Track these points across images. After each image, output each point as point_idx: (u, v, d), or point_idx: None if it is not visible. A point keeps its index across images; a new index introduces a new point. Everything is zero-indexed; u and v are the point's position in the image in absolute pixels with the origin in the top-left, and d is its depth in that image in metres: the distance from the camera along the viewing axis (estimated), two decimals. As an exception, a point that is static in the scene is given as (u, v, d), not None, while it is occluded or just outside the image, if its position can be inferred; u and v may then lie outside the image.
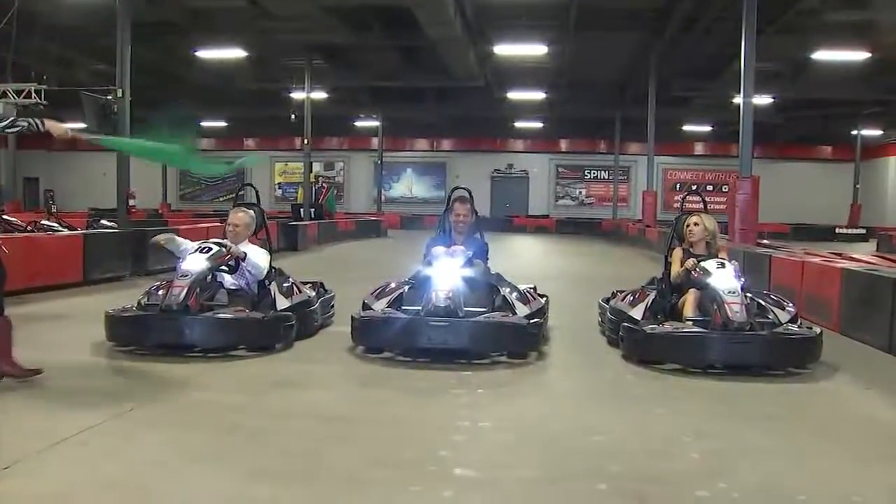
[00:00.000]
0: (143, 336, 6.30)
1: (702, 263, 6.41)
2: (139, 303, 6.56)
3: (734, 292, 6.07)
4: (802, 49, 21.66)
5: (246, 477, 3.60)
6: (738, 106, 14.56)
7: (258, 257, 6.91)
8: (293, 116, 27.66)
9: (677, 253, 6.90)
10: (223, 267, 6.67)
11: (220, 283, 6.77)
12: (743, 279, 6.35)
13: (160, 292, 6.45)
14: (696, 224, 6.88)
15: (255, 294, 6.91)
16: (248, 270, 6.81)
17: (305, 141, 25.57)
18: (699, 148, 38.72)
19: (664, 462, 3.95)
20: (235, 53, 23.13)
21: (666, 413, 4.88)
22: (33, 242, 11.03)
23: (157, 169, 37.95)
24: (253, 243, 7.14)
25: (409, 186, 40.82)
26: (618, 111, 32.85)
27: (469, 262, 6.66)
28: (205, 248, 6.65)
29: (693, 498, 3.46)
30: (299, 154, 29.50)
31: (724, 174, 35.99)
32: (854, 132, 34.89)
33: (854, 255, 11.15)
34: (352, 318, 6.46)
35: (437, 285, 6.30)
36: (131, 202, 14.69)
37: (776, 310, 6.45)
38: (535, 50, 22.34)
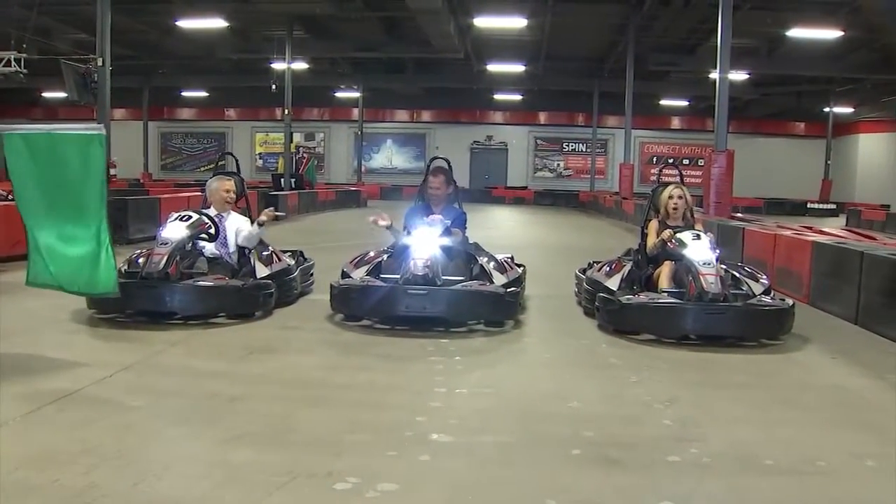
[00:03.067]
0: (124, 303, 6.22)
1: (678, 235, 6.39)
2: (120, 271, 6.37)
3: (709, 264, 6.10)
4: (777, 26, 21.82)
5: (224, 441, 3.65)
6: (714, 81, 14.74)
7: (247, 228, 7.00)
8: (274, 87, 27.59)
9: (653, 225, 6.91)
10: (203, 235, 6.72)
11: (200, 251, 6.80)
12: (718, 251, 6.37)
13: (140, 260, 6.48)
14: (679, 197, 6.92)
15: (234, 262, 6.94)
16: (243, 237, 6.93)
17: (286, 111, 25.50)
18: (675, 122, 38.92)
19: (637, 428, 4.04)
20: (216, 23, 22.89)
21: (639, 381, 4.96)
22: (15, 211, 11.01)
23: (139, 139, 37.80)
24: (233, 212, 7.19)
25: (390, 157, 40.80)
26: (596, 85, 32.93)
27: (447, 232, 6.64)
28: (184, 216, 6.67)
29: (665, 463, 3.54)
30: (280, 124, 29.41)
31: (699, 148, 36.25)
32: (826, 109, 35.14)
33: (824, 229, 11.41)
34: (331, 286, 6.54)
35: (416, 254, 6.32)
36: (112, 171, 14.75)
37: (750, 281, 6.53)
38: (514, 22, 22.32)
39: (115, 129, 14.96)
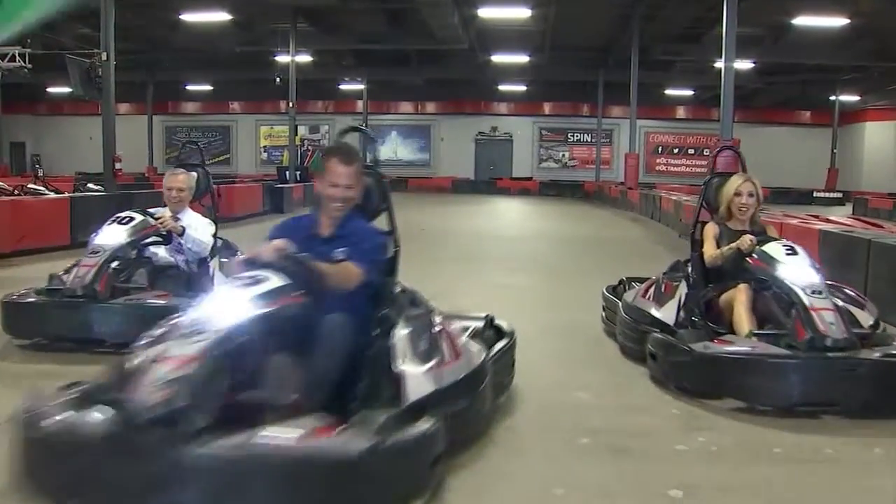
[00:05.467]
0: (43, 327, 5.14)
1: (762, 247, 4.66)
2: (41, 290, 5.34)
3: (819, 293, 4.31)
4: (783, 14, 21.71)
5: None
6: (720, 70, 14.69)
7: (200, 230, 5.64)
8: (278, 80, 27.57)
9: (710, 229, 5.07)
10: (155, 237, 5.54)
11: (150, 258, 5.62)
12: (821, 272, 4.57)
13: (68, 275, 5.32)
14: (751, 195, 5.02)
15: (191, 273, 5.62)
16: (187, 248, 5.58)
17: (290, 104, 25.50)
18: (681, 112, 38.73)
19: (645, 418, 4.04)
20: (220, 17, 22.97)
21: (647, 373, 4.83)
22: (20, 206, 11.11)
23: (144, 134, 37.83)
24: (197, 211, 5.94)
25: (394, 149, 40.71)
26: (601, 75, 32.80)
27: (301, 281, 3.08)
28: (124, 218, 5.52)
29: (672, 451, 3.56)
30: (284, 117, 29.41)
31: (705, 138, 36.15)
32: (832, 97, 34.90)
33: (831, 218, 11.39)
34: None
35: (147, 374, 2.67)
36: (117, 166, 14.71)
37: (853, 308, 4.64)
38: (518, 13, 22.22)
39: (120, 123, 14.94)
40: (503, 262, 10.54)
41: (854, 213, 23.16)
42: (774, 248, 4.60)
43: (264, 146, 41.00)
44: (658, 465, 3.42)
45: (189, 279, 5.51)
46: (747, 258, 4.65)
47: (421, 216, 18.52)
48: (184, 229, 5.48)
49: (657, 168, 37.87)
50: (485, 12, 22.58)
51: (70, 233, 11.11)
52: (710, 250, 4.94)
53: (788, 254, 4.55)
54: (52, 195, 13.74)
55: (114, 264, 5.31)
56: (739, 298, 4.53)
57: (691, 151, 37.43)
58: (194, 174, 5.96)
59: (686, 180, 33.18)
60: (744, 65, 25.60)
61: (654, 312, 5.00)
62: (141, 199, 12.97)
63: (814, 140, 37.40)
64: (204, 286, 5.13)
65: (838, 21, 21.33)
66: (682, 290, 4.99)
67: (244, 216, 16.81)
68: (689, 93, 35.74)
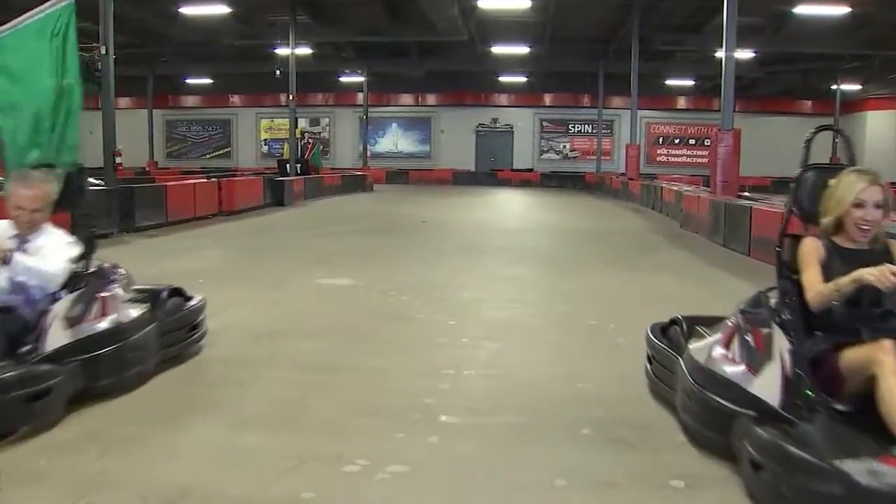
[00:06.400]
0: None
1: None
2: None
3: None
4: (783, 3, 21.66)
5: (233, 426, 3.66)
6: (720, 60, 14.67)
7: (49, 255, 4.04)
8: (278, 73, 27.54)
9: (811, 249, 3.26)
10: None
11: None
12: None
13: None
14: (877, 206, 3.20)
15: (27, 319, 3.87)
16: (20, 281, 3.90)
17: (290, 97, 25.48)
18: (681, 102, 38.66)
19: (646, 409, 4.02)
20: (219, 10, 22.87)
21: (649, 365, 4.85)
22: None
23: (144, 128, 37.78)
24: (51, 230, 4.33)
25: (395, 141, 40.71)
26: (601, 65, 32.77)
27: None
28: None
29: (674, 442, 3.55)
30: (285, 110, 29.44)
31: (705, 128, 36.07)
32: (833, 87, 34.87)
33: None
34: None
35: None
36: (118, 160, 14.71)
37: None
38: (518, 3, 22.19)
39: (120, 117, 14.94)
40: (505, 254, 10.53)
41: (856, 202, 23.14)
42: None
43: (265, 139, 41.00)
44: (659, 455, 3.41)
45: (23, 329, 3.82)
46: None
47: (422, 208, 18.52)
48: (11, 255, 3.86)
49: (658, 158, 37.82)
50: (484, 3, 22.53)
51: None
52: (814, 282, 3.14)
53: None
54: (53, 190, 13.75)
55: None
56: (886, 364, 2.71)
57: (692, 142, 37.42)
58: (53, 179, 4.32)
59: (687, 170, 33.21)
60: (744, 54, 25.58)
61: (743, 383, 3.21)
62: (141, 193, 12.98)
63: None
64: (39, 338, 3.78)
65: (839, 10, 21.28)
66: (783, 344, 3.11)
67: (245, 209, 16.82)
68: (689, 83, 35.68)
